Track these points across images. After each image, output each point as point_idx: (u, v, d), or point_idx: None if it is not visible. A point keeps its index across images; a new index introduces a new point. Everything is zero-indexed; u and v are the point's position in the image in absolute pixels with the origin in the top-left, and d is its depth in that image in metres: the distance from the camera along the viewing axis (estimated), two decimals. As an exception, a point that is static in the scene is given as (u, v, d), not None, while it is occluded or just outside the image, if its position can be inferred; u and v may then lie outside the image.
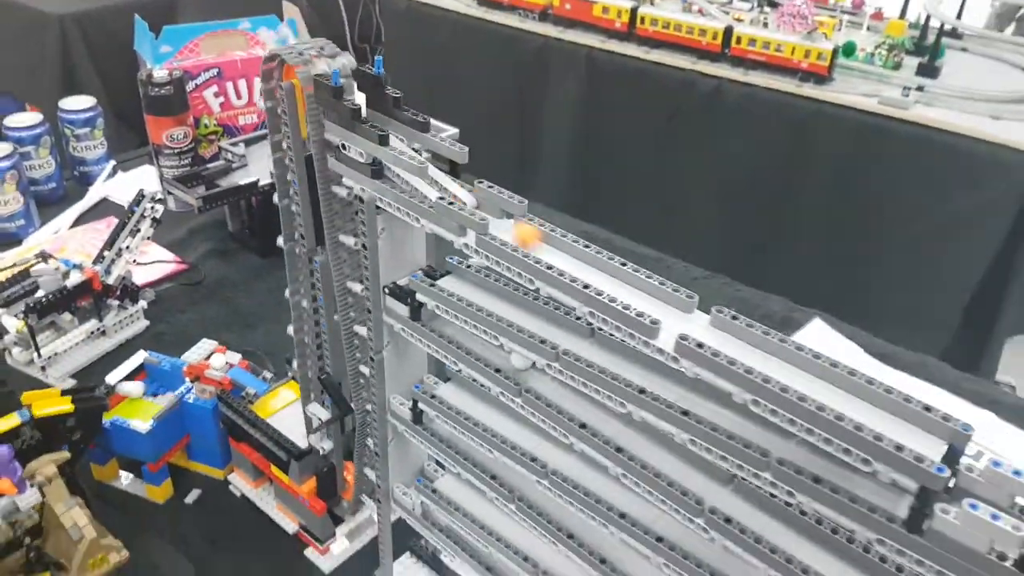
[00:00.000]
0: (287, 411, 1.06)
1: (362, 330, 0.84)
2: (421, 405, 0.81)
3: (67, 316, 1.29)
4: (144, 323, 1.37)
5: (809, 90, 2.34)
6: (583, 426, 0.65)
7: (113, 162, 1.81)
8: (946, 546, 0.44)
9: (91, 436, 1.02)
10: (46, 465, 0.95)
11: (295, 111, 0.76)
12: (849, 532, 0.48)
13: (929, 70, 2.38)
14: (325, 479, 1.00)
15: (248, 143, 1.61)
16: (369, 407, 0.87)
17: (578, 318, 0.64)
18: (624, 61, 2.57)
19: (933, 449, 0.44)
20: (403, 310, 0.75)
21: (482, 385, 0.73)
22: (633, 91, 2.59)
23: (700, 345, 0.53)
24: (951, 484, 0.45)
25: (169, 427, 1.05)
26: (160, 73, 1.57)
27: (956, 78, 2.37)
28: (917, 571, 0.45)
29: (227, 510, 1.08)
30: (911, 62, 2.41)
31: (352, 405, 0.91)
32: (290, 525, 1.05)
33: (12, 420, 0.95)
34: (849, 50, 2.45)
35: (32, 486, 0.92)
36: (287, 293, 0.91)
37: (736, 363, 0.51)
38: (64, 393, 0.99)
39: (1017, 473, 0.44)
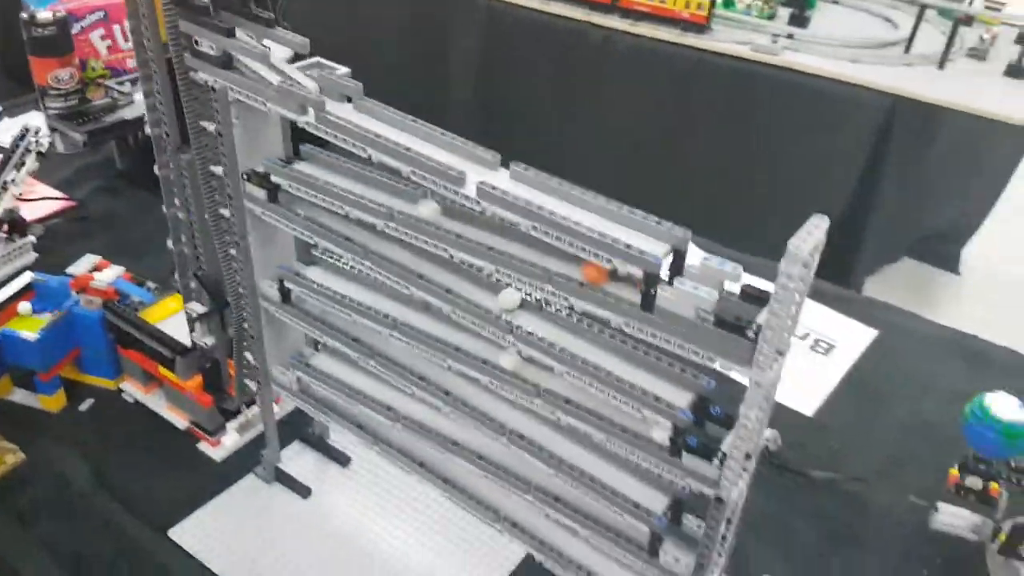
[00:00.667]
0: (172, 319, 1.13)
1: (227, 212, 0.92)
2: (287, 284, 0.90)
3: (-46, 249, 1.32)
4: (33, 255, 1.41)
5: (691, 39, 2.48)
6: (420, 276, 0.75)
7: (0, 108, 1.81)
8: (668, 318, 0.57)
9: (-19, 343, 1.07)
10: (-64, 369, 1.00)
11: (154, 17, 0.83)
12: (607, 322, 0.60)
13: (799, 20, 2.57)
14: (210, 374, 1.08)
15: (135, 82, 1.64)
16: (241, 291, 0.94)
17: (410, 184, 0.73)
18: (522, 13, 2.66)
19: (658, 248, 0.57)
20: (261, 193, 0.84)
21: (339, 259, 0.82)
22: (530, 42, 2.69)
23: (495, 188, 0.64)
24: (675, 278, 0.57)
25: (58, 337, 1.11)
26: (44, 14, 1.58)
27: (823, 27, 2.55)
28: (655, 343, 0.58)
29: (121, 415, 1.15)
30: (785, 13, 2.59)
31: (228, 299, 0.99)
32: (181, 423, 1.13)
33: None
34: (729, 2, 2.62)
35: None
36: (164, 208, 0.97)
37: (520, 199, 0.62)
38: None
39: (723, 264, 0.56)
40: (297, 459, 1.11)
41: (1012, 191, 2.55)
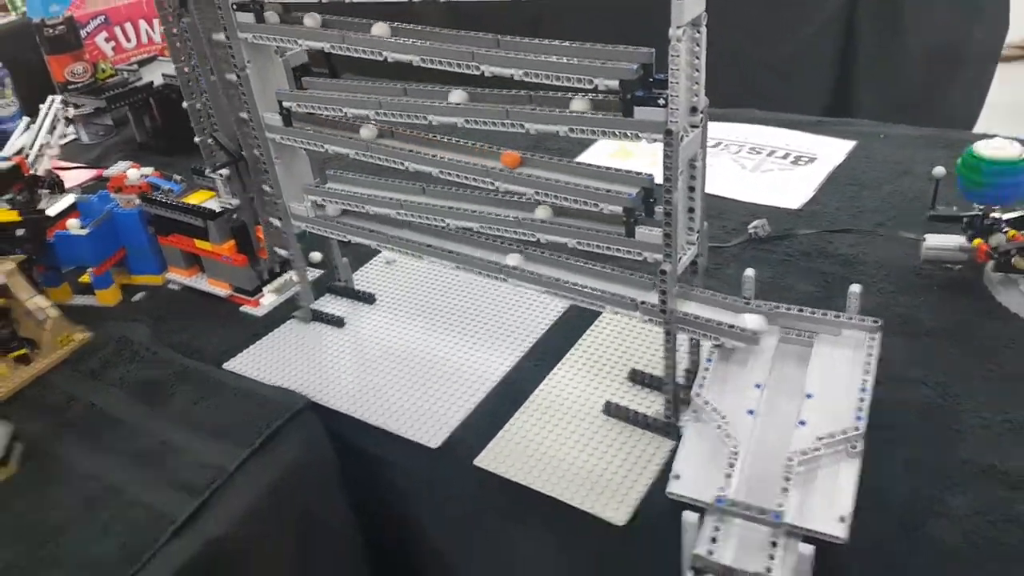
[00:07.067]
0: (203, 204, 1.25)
1: (232, 76, 1.05)
2: (286, 104, 1.02)
3: (5, 207, 1.47)
4: (76, 210, 1.55)
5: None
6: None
7: (27, 118, 1.98)
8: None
9: (39, 245, 1.21)
10: (6, 262, 1.13)
11: None
12: None
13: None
14: (240, 235, 1.20)
15: (141, 64, 1.81)
16: (249, 118, 1.06)
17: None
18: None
19: None
20: (249, 17, 0.96)
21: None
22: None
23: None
24: None
25: (105, 235, 1.24)
26: (53, 19, 1.77)
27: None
28: None
29: (170, 299, 1.28)
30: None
31: (243, 151, 1.12)
32: (223, 292, 1.25)
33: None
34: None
35: (-6, 272, 1.11)
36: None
37: None
38: (11, 208, 1.18)
39: None
40: (329, 304, 1.22)
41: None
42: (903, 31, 2.37)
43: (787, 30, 2.42)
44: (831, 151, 1.53)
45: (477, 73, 0.83)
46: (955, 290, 1.12)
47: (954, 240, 1.13)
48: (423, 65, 0.87)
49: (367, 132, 0.96)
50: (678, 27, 0.71)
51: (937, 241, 1.15)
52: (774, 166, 1.50)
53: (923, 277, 1.16)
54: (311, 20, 0.94)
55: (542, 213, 0.90)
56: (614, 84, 0.77)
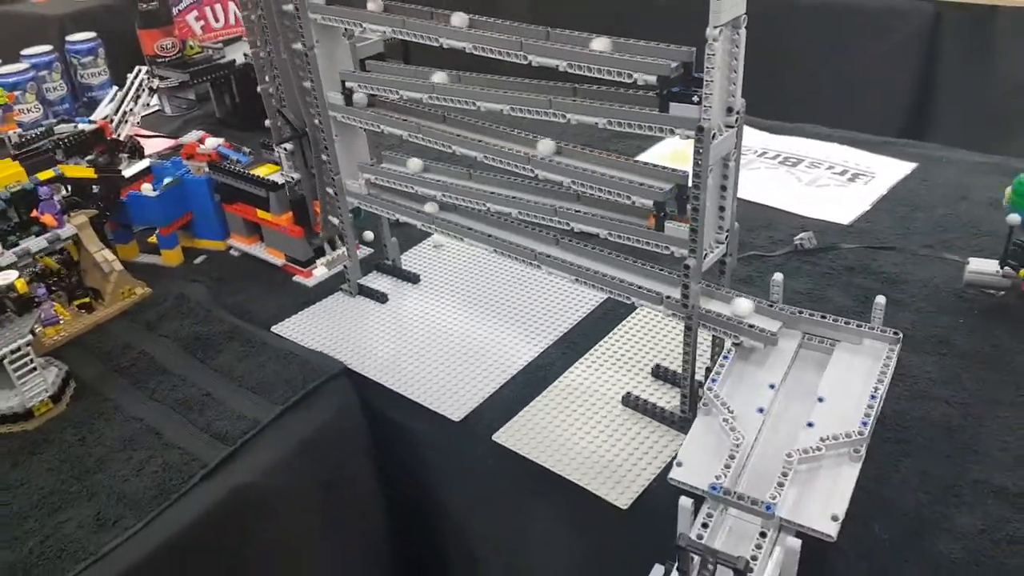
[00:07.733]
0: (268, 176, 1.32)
1: (298, 45, 1.10)
2: (348, 84, 1.07)
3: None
4: (152, 175, 1.65)
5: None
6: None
7: (115, 87, 2.10)
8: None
9: (112, 203, 1.29)
10: (79, 215, 1.22)
11: None
12: None
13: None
14: (299, 208, 1.26)
15: (226, 43, 1.90)
16: (315, 116, 1.13)
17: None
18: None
19: None
20: None
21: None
22: None
23: None
24: None
25: (174, 198, 1.32)
26: (149, -9, 1.88)
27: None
28: None
29: (229, 264, 1.36)
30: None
31: (306, 128, 1.18)
32: (278, 261, 1.31)
33: (48, 174, 1.22)
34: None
35: (68, 222, 1.19)
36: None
37: None
38: (89, 166, 1.27)
39: None
40: (376, 281, 1.28)
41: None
42: (991, 57, 2.32)
43: (864, 48, 2.39)
44: (890, 171, 1.52)
45: (525, 62, 0.87)
46: (995, 315, 1.11)
47: (997, 266, 1.12)
48: (475, 53, 0.91)
49: (439, 77, 0.98)
50: (715, 27, 0.73)
51: (979, 266, 1.13)
52: (830, 181, 1.49)
53: (964, 300, 1.14)
54: (373, 4, 0.99)
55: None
56: (652, 80, 0.79)
